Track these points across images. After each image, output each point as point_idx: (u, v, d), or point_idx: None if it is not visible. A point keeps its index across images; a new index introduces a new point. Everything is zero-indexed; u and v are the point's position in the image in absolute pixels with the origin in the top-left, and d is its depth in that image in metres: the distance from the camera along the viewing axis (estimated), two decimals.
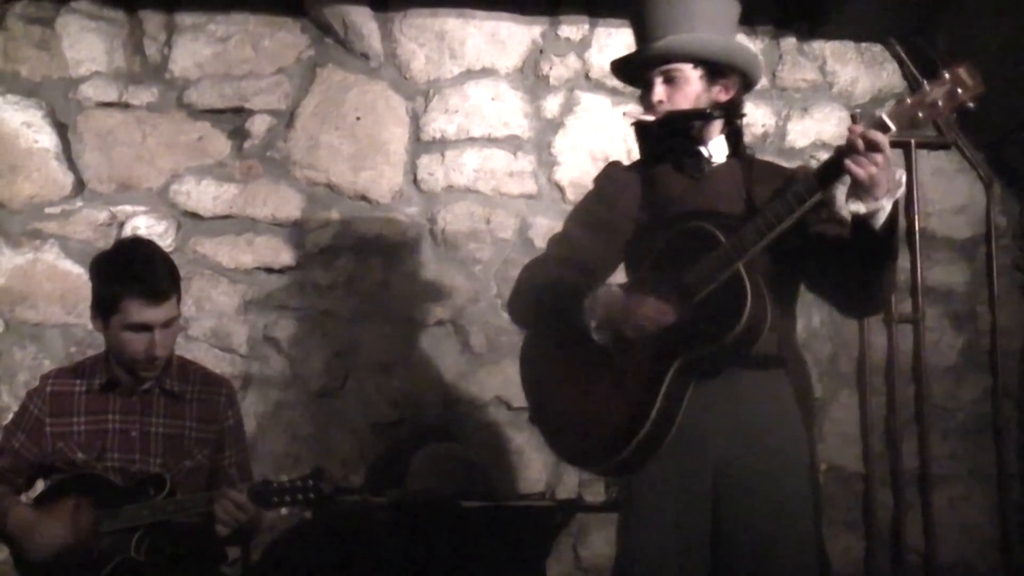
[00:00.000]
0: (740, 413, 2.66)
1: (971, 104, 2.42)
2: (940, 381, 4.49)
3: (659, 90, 2.78)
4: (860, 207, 2.48)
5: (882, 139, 2.41)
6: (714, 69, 2.79)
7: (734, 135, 2.84)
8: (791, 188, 2.54)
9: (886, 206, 2.49)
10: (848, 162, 2.43)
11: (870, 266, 2.60)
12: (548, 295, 2.80)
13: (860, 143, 2.42)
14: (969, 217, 4.57)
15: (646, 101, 2.83)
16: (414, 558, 3.68)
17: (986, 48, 3.99)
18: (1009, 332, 4.53)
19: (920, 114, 2.43)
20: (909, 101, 2.44)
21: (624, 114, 2.94)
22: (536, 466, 4.23)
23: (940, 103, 2.42)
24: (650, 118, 2.81)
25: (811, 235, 2.69)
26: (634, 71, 2.88)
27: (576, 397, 2.73)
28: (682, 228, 2.68)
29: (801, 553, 2.65)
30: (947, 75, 2.42)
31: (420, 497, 3.76)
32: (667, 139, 2.81)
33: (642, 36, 2.83)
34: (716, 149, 2.81)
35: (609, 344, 2.66)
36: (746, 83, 2.86)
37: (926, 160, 4.53)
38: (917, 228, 4.47)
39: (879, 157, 2.41)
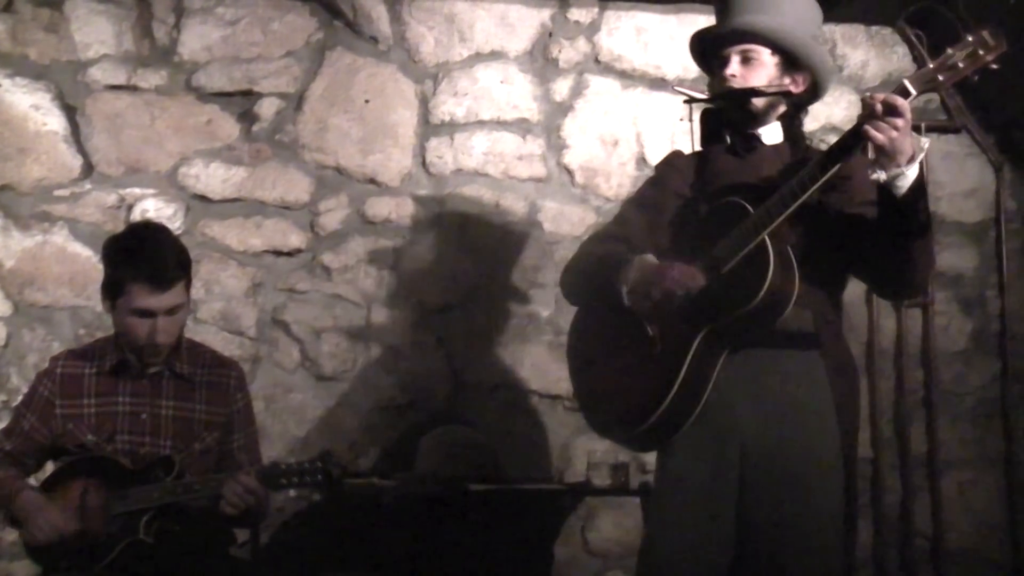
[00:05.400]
0: (770, 392, 2.67)
1: (994, 65, 2.40)
2: (949, 366, 4.49)
3: (734, 67, 2.80)
4: (881, 175, 2.48)
5: (901, 102, 2.41)
6: (790, 60, 2.80)
7: (789, 120, 2.85)
8: (815, 158, 2.58)
9: (908, 172, 2.47)
10: (867, 127, 2.43)
11: (898, 239, 2.57)
12: (593, 267, 2.89)
13: (879, 107, 2.42)
14: (979, 201, 4.56)
15: (718, 78, 2.84)
16: (422, 541, 3.69)
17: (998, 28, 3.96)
18: (1018, 316, 4.51)
19: (940, 76, 2.43)
20: (931, 65, 2.44)
21: (674, 88, 3.03)
22: (544, 449, 4.23)
23: (961, 64, 2.40)
24: (699, 95, 2.85)
25: (851, 215, 2.69)
26: (711, 50, 2.89)
27: (612, 368, 2.79)
28: (718, 203, 2.73)
29: (823, 539, 2.64)
30: (970, 37, 2.41)
31: (429, 480, 3.77)
32: (723, 115, 2.85)
33: (724, 13, 2.86)
34: (770, 132, 2.84)
35: (643, 311, 2.70)
36: (815, 86, 2.86)
37: (936, 144, 4.50)
38: None
39: (899, 121, 2.41)
